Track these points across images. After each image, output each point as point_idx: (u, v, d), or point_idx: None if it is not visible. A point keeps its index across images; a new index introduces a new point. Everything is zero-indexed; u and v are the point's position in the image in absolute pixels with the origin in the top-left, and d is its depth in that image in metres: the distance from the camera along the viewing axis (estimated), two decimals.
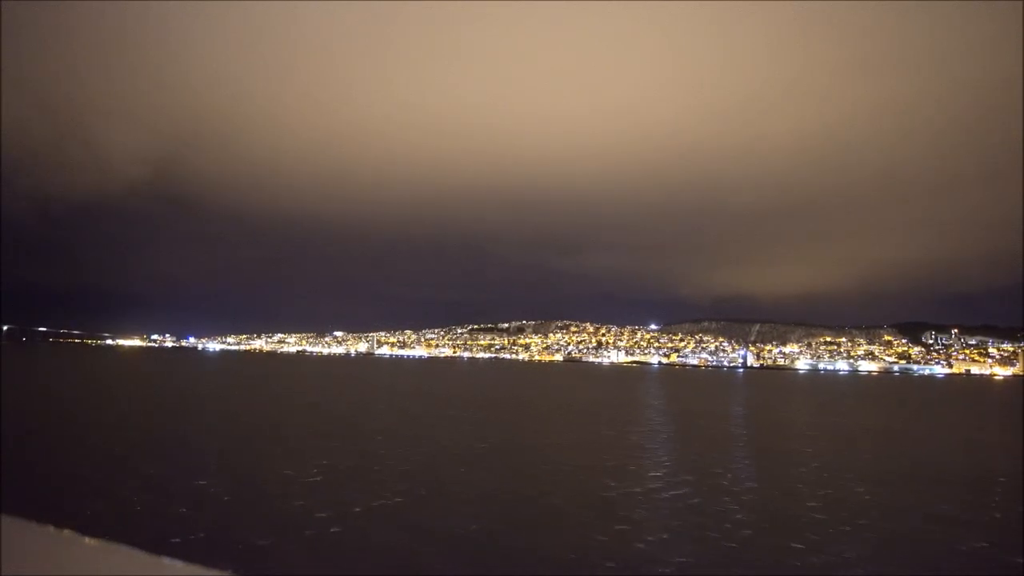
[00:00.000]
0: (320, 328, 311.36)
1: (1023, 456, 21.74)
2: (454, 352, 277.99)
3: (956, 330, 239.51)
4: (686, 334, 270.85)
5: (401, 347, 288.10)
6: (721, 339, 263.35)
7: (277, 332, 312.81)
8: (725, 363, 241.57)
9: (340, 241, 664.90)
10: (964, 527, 11.88)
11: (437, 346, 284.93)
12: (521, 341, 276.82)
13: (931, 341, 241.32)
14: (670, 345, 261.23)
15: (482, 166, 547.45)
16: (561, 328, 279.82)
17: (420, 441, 20.52)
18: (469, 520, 11.05)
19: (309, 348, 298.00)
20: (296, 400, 37.01)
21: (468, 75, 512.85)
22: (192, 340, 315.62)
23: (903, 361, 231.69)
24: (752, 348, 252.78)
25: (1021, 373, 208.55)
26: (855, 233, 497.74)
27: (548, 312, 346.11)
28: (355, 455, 17.15)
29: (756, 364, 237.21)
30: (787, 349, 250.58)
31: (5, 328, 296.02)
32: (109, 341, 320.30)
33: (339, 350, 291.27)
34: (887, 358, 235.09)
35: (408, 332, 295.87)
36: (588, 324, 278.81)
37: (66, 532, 1.79)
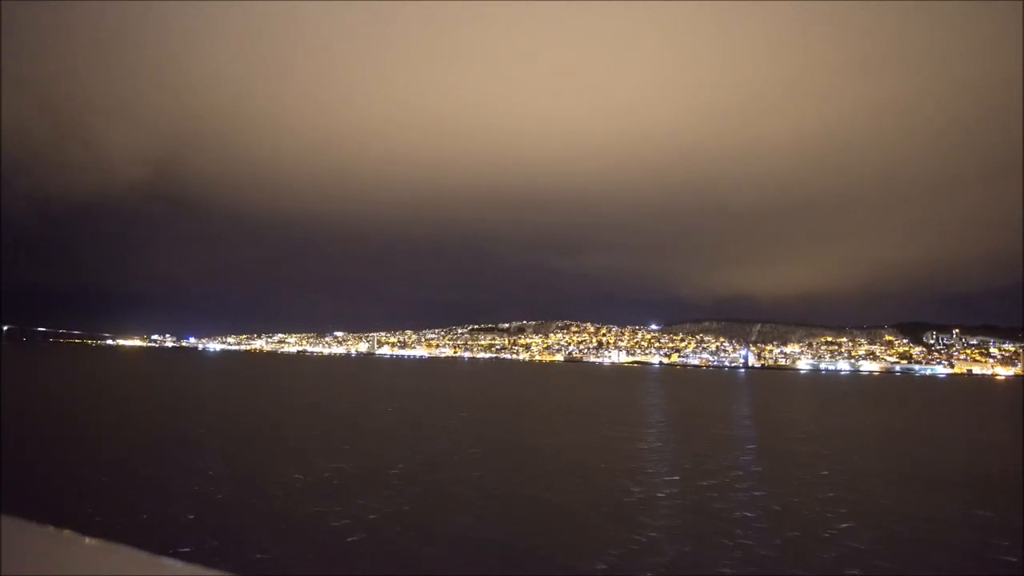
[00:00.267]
0: (320, 328, 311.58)
1: None
2: (455, 352, 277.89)
3: (957, 330, 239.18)
4: (687, 334, 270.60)
5: (401, 347, 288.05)
6: (722, 339, 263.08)
7: (277, 332, 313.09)
8: (726, 363, 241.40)
9: (340, 241, 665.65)
10: (964, 527, 11.84)
11: (438, 346, 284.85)
12: (522, 341, 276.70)
13: (932, 341, 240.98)
14: (671, 345, 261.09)
15: (482, 166, 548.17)
16: (562, 328, 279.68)
17: (420, 441, 20.48)
18: (469, 520, 11.02)
19: (309, 348, 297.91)
20: (296, 400, 36.99)
21: (468, 75, 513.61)
22: (192, 340, 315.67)
23: (905, 361, 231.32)
24: (753, 348, 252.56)
25: (1023, 373, 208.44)
26: (855, 233, 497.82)
27: (548, 312, 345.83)
28: (355, 455, 17.12)
29: (757, 364, 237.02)
30: (788, 349, 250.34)
31: (5, 328, 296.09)
32: (109, 341, 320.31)
33: (339, 350, 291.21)
34: (888, 358, 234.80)
35: (408, 332, 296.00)
36: (589, 324, 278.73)
37: (66, 532, 1.78)
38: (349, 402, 37.36)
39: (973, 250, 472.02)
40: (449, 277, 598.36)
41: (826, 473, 17.03)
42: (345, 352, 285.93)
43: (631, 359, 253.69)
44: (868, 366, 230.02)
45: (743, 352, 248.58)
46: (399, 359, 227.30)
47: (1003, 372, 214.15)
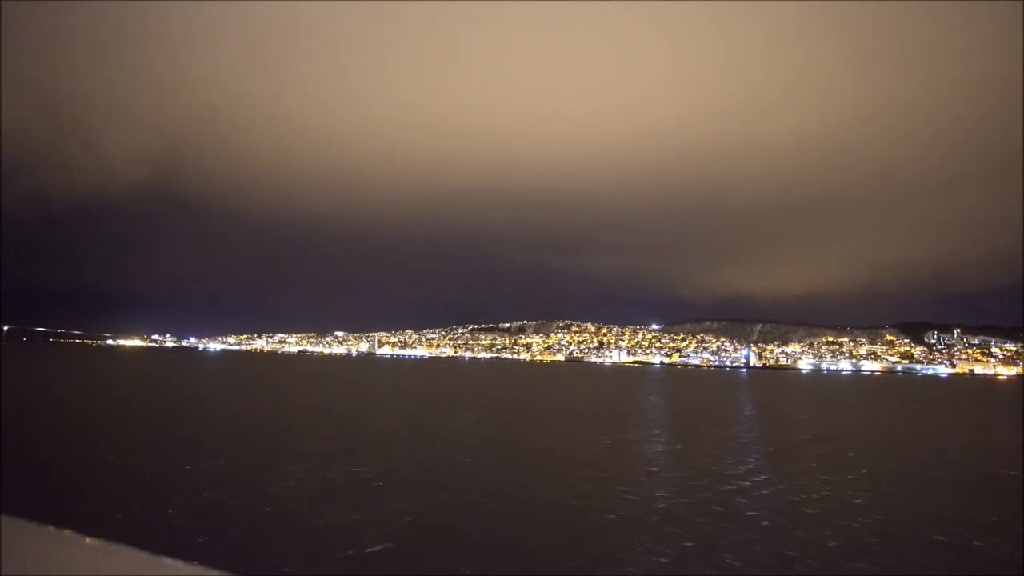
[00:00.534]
0: (321, 328, 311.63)
1: None
2: (455, 352, 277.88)
3: (959, 330, 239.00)
4: (688, 334, 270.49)
5: (402, 347, 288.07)
6: (723, 339, 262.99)
7: (278, 332, 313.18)
8: (727, 363, 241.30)
9: (340, 241, 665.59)
10: (965, 527, 11.76)
11: (438, 346, 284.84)
12: (522, 341, 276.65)
13: (934, 341, 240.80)
14: (672, 345, 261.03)
15: (482, 166, 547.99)
16: (562, 328, 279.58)
17: (420, 441, 20.41)
18: (468, 519, 10.94)
19: (310, 348, 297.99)
20: (296, 400, 36.94)
21: (468, 75, 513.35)
22: (192, 340, 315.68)
23: (906, 361, 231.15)
24: (754, 348, 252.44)
25: None
26: (855, 233, 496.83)
27: (549, 312, 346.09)
28: (356, 455, 17.05)
29: (759, 364, 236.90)
30: (789, 349, 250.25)
31: (5, 328, 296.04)
32: (109, 341, 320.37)
33: (340, 350, 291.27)
34: (890, 358, 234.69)
35: (409, 332, 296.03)
36: (589, 324, 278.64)
37: (66, 532, 1.78)
38: (349, 402, 37.31)
39: (973, 250, 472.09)
40: (449, 277, 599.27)
41: (831, 474, 16.96)
42: (346, 352, 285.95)
43: (632, 359, 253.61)
44: (870, 366, 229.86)
45: (744, 352, 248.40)
46: (400, 359, 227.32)
47: (1005, 372, 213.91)
